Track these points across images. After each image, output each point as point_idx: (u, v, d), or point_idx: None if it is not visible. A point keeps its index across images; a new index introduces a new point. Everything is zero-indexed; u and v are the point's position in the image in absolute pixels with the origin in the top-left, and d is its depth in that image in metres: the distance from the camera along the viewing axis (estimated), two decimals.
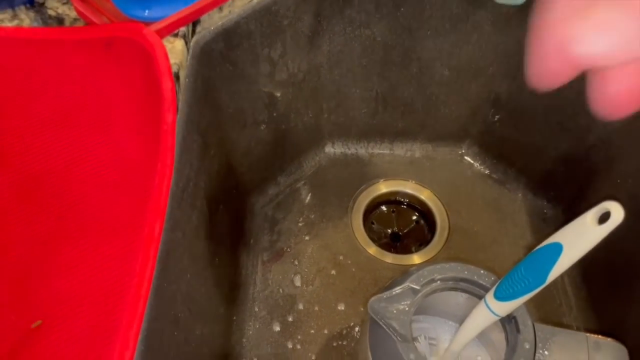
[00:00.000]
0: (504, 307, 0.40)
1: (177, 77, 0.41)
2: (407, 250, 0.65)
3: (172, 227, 0.37)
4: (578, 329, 0.56)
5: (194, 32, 0.45)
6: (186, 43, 0.44)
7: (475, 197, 0.67)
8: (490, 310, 0.40)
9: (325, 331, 0.57)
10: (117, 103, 0.38)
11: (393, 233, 0.67)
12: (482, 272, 0.44)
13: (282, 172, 0.66)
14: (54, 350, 0.28)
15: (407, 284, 0.44)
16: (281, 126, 0.61)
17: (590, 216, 0.37)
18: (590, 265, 0.58)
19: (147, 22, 0.42)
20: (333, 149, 0.70)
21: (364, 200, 0.68)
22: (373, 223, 0.67)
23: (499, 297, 0.40)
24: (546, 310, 0.58)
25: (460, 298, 0.47)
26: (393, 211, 0.69)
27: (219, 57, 0.48)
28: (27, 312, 0.29)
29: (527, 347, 0.40)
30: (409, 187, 0.69)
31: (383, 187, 0.69)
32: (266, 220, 0.64)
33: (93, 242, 0.32)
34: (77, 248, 0.32)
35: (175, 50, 0.42)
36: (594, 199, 0.54)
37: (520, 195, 0.67)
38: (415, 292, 0.44)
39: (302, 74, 0.58)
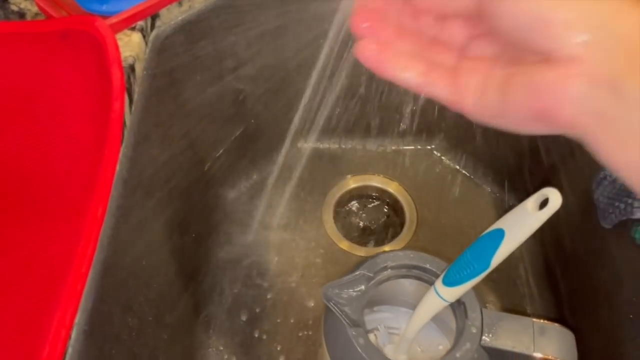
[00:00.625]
0: (453, 293, 0.41)
1: (132, 68, 0.42)
2: (377, 244, 0.66)
3: (123, 213, 0.39)
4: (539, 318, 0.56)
5: (153, 26, 0.46)
6: (144, 37, 0.45)
7: (445, 191, 0.68)
8: (439, 296, 0.41)
9: (292, 321, 0.57)
10: (71, 93, 0.39)
11: (364, 227, 0.68)
12: (433, 259, 0.45)
13: (254, 167, 0.67)
14: None
15: (360, 271, 0.45)
16: (250, 120, 0.62)
17: (530, 202, 0.38)
18: (553, 256, 0.59)
19: (105, 16, 0.43)
20: (305, 144, 0.71)
21: (335, 195, 0.69)
22: (344, 217, 0.68)
23: (447, 282, 0.41)
24: (510, 300, 0.59)
25: (415, 286, 0.48)
26: (364, 206, 0.69)
27: (181, 51, 0.49)
28: None
29: (474, 331, 0.41)
30: (379, 182, 0.69)
31: (354, 182, 0.70)
32: (236, 214, 0.65)
33: (38, 223, 0.33)
34: (23, 228, 0.33)
35: (132, 43, 0.43)
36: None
37: (488, 189, 0.68)
38: (368, 279, 0.45)
39: (269, 68, 0.59)
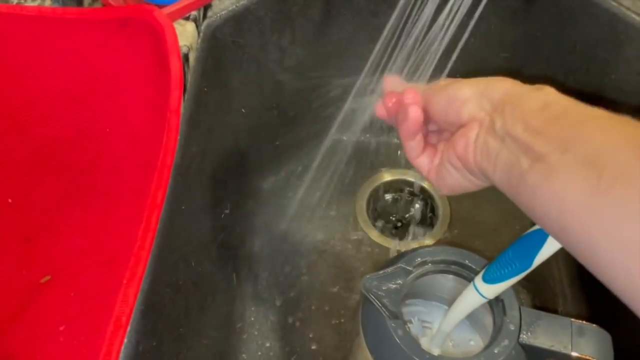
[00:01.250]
0: (492, 290, 0.41)
1: (186, 58, 0.44)
2: (410, 238, 0.67)
3: (176, 200, 0.40)
4: (570, 316, 0.57)
5: (205, 16, 0.47)
6: (197, 26, 0.46)
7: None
8: (478, 292, 0.42)
9: (326, 309, 0.59)
10: (129, 80, 0.40)
11: (396, 220, 0.68)
12: (472, 255, 0.46)
13: (290, 157, 0.68)
14: (60, 303, 0.31)
15: (399, 264, 0.45)
16: (289, 112, 0.63)
17: None
18: None
19: (161, 6, 0.44)
20: (340, 137, 0.71)
21: (368, 188, 0.69)
22: (376, 210, 0.69)
23: (487, 279, 0.41)
24: (542, 299, 0.59)
25: (452, 282, 0.48)
26: (397, 199, 0.70)
27: (229, 41, 0.50)
28: (38, 268, 0.32)
29: (512, 328, 0.42)
30: (413, 176, 0.70)
31: (387, 175, 0.70)
32: (271, 202, 0.66)
33: (101, 207, 0.35)
34: (86, 211, 0.34)
35: (186, 33, 0.45)
36: None
37: None
38: (407, 272, 0.45)
39: (310, 61, 0.60)
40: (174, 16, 0.44)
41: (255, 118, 0.60)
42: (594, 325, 0.43)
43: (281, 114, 0.63)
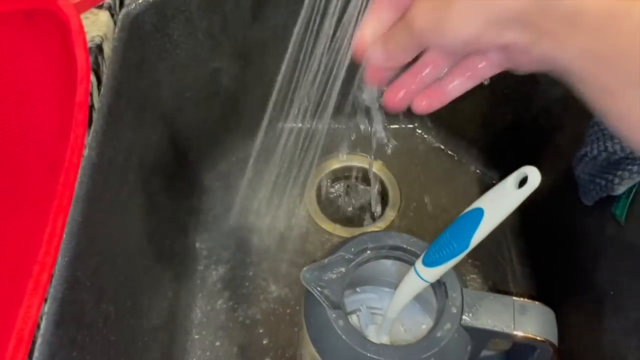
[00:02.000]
0: (432, 273, 0.40)
1: (100, 49, 0.41)
2: (361, 224, 0.65)
3: (94, 198, 0.37)
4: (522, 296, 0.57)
5: (122, 4, 0.45)
6: (112, 15, 0.43)
7: (428, 170, 0.68)
8: (419, 276, 0.41)
9: (275, 304, 0.57)
10: (35, 75, 0.37)
11: (347, 208, 0.67)
12: (413, 239, 0.45)
13: (234, 148, 0.66)
14: None
15: (339, 253, 0.44)
16: (228, 101, 0.61)
17: (509, 181, 0.37)
18: (536, 235, 0.58)
19: None
20: (285, 124, 0.69)
21: (317, 175, 0.68)
22: (327, 199, 0.67)
23: (427, 263, 0.40)
24: (494, 280, 0.59)
25: (399, 266, 0.47)
26: (347, 185, 0.69)
27: (152, 30, 0.48)
28: None
29: (454, 311, 0.41)
30: (362, 162, 0.69)
31: (337, 162, 0.69)
32: (214, 195, 0.64)
33: (2, 211, 0.32)
34: None
35: (100, 23, 0.42)
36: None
37: (472, 167, 0.67)
38: (348, 261, 0.44)
39: (247, 48, 0.58)
40: (84, 5, 0.41)
41: (192, 109, 0.58)
42: (537, 302, 0.42)
43: (220, 103, 0.60)
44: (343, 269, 0.44)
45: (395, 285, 0.52)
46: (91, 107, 0.39)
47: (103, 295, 0.38)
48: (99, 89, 0.41)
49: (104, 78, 0.41)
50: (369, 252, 0.45)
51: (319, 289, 0.42)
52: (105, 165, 0.40)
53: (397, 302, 0.44)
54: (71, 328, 0.34)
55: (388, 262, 0.47)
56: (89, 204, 0.37)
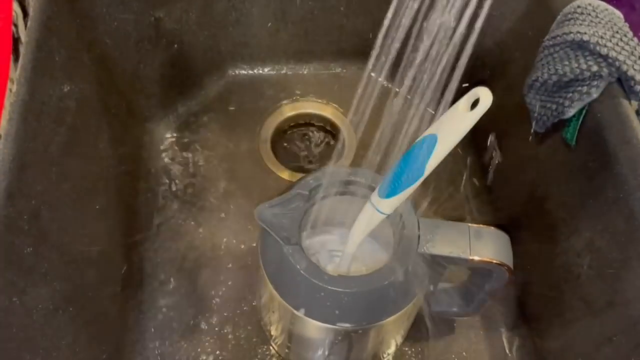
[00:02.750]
0: (389, 204, 0.40)
1: None
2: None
3: (28, 138, 0.35)
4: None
5: None
6: None
7: (382, 111, 0.67)
8: (375, 208, 0.40)
9: (232, 263, 0.55)
10: None
11: (304, 155, 0.66)
12: (367, 172, 0.44)
13: (182, 98, 0.63)
14: None
15: (295, 190, 0.43)
16: (172, 47, 0.58)
17: (462, 103, 0.37)
18: (490, 165, 0.59)
19: None
20: (236, 71, 0.67)
21: (272, 124, 0.66)
22: (283, 146, 0.66)
23: (382, 194, 0.40)
24: (450, 211, 0.59)
25: (356, 204, 0.47)
26: (303, 133, 0.67)
27: None
28: None
29: (411, 239, 0.41)
30: (317, 108, 0.67)
31: (291, 109, 0.67)
32: (166, 149, 0.61)
33: None
34: None
35: None
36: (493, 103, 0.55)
37: (423, 105, 0.67)
38: (304, 197, 0.43)
39: None
40: None
41: (134, 54, 0.55)
42: (492, 228, 0.42)
43: (164, 49, 0.57)
44: (300, 205, 0.43)
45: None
46: (17, 39, 0.36)
47: (45, 241, 0.36)
48: (25, 22, 0.37)
49: (30, 10, 0.38)
50: (324, 188, 0.44)
51: (273, 226, 0.41)
52: (37, 104, 0.37)
53: (354, 237, 0.43)
54: (9, 271, 0.32)
55: (345, 200, 0.46)
56: (22, 142, 0.34)
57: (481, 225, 0.42)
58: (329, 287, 0.39)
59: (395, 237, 0.42)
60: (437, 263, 0.42)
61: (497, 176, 0.57)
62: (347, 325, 0.40)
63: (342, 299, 0.39)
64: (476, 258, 0.40)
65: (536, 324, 0.50)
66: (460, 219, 0.59)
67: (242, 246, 0.56)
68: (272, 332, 0.49)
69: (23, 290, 0.33)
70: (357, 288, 0.39)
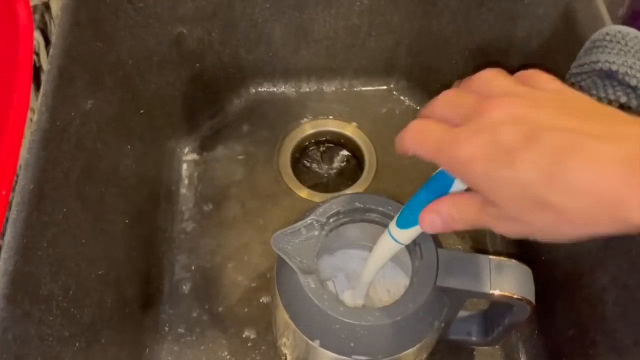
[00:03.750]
0: (406, 235, 0.39)
1: (46, 6, 0.38)
2: (337, 189, 0.64)
3: (47, 166, 0.35)
4: (499, 253, 0.56)
5: None
6: None
7: None
8: (393, 238, 0.39)
9: (247, 280, 0.55)
10: None
11: (322, 173, 0.65)
12: (386, 201, 0.43)
13: (204, 116, 0.64)
14: None
15: (311, 217, 0.43)
16: (195, 65, 0.58)
17: None
18: None
19: None
20: (258, 89, 0.67)
21: (291, 142, 0.66)
22: (302, 164, 0.66)
23: (400, 225, 0.39)
24: (470, 237, 0.58)
25: (374, 229, 0.46)
26: (322, 151, 0.67)
27: None
28: None
29: (429, 272, 0.40)
30: (337, 126, 0.67)
31: (311, 127, 0.67)
32: (187, 167, 0.62)
33: None
34: None
35: None
36: None
37: None
38: (321, 225, 0.43)
39: (211, 7, 0.55)
40: None
41: (156, 74, 0.55)
42: (513, 260, 0.41)
43: (187, 68, 0.58)
44: (315, 233, 0.42)
45: (371, 249, 0.51)
46: (39, 68, 0.37)
47: (62, 268, 0.37)
48: (47, 50, 0.38)
49: (53, 38, 0.39)
50: (341, 215, 0.43)
51: (290, 254, 0.41)
52: (58, 132, 0.37)
53: (371, 266, 0.43)
54: (25, 302, 0.32)
55: (364, 226, 0.46)
56: (41, 171, 0.35)
57: (502, 258, 0.41)
58: (345, 320, 0.38)
59: (414, 267, 0.42)
60: (456, 295, 0.41)
61: None
62: (362, 358, 0.39)
63: (358, 332, 0.38)
64: (497, 293, 0.39)
65: (558, 358, 0.48)
66: (482, 244, 0.58)
67: (262, 265, 0.56)
68: (288, 357, 0.49)
69: (40, 319, 0.33)
70: (373, 321, 0.38)
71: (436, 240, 0.42)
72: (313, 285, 0.39)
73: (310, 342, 0.40)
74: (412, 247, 0.42)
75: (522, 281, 0.40)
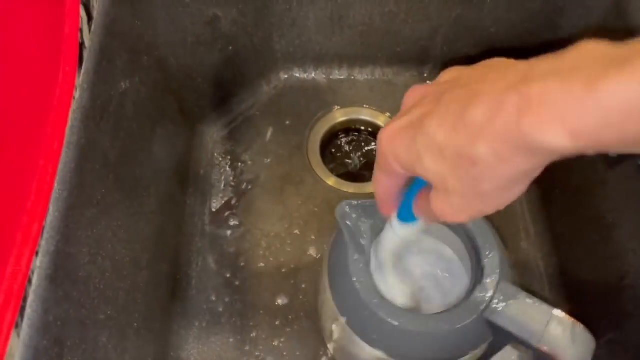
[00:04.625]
0: (406, 228, 0.36)
1: None
2: (367, 179, 0.63)
3: (87, 146, 0.34)
4: (535, 255, 0.55)
5: None
6: None
7: None
8: (394, 230, 0.37)
9: (277, 265, 0.55)
10: (17, 6, 0.34)
11: (352, 162, 0.64)
12: None
13: (233, 99, 0.63)
14: None
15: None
16: (228, 47, 0.57)
17: None
18: (550, 190, 0.56)
19: None
20: (288, 74, 0.66)
21: (321, 129, 0.65)
22: (332, 152, 0.65)
23: (401, 217, 0.36)
24: (505, 235, 0.57)
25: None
26: (353, 140, 0.66)
27: None
28: None
29: (481, 300, 0.37)
30: (368, 115, 0.65)
31: (341, 115, 0.66)
32: (217, 151, 0.61)
33: None
34: None
35: None
36: None
37: None
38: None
39: None
40: None
41: (189, 55, 0.54)
42: (580, 325, 0.36)
43: (220, 50, 0.57)
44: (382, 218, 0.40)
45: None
46: (81, 44, 0.36)
47: (99, 249, 0.36)
48: (89, 26, 0.37)
49: (95, 14, 0.38)
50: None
51: (349, 227, 0.39)
52: (98, 110, 0.37)
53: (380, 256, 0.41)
54: (66, 283, 0.31)
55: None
56: (82, 151, 0.34)
57: (568, 316, 0.36)
58: (383, 316, 0.37)
59: (469, 286, 0.39)
60: (502, 333, 0.37)
61: (558, 200, 0.54)
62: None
63: (394, 331, 0.37)
64: (546, 349, 0.35)
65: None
66: (516, 243, 0.56)
67: (290, 254, 0.55)
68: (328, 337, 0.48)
69: (78, 301, 0.33)
70: (412, 327, 0.36)
71: (505, 267, 0.39)
72: (361, 265, 0.38)
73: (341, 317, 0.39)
74: (476, 267, 0.39)
75: (581, 350, 0.35)
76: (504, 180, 0.23)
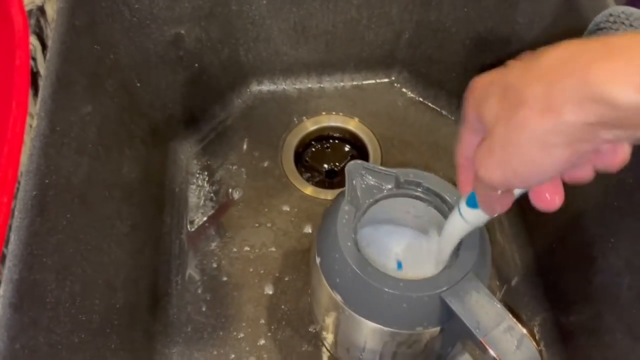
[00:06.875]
0: (474, 214, 0.37)
1: (42, 10, 0.38)
2: (342, 185, 0.63)
3: (48, 172, 0.35)
4: (510, 247, 0.55)
5: None
6: None
7: (408, 124, 0.65)
8: (462, 217, 0.37)
9: (259, 273, 0.55)
10: None
11: (327, 170, 0.65)
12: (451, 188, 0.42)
13: (205, 115, 0.63)
14: None
15: (396, 172, 0.42)
16: (194, 65, 0.58)
17: None
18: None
19: None
20: (258, 87, 0.67)
21: (293, 140, 0.65)
22: (306, 161, 0.65)
23: (470, 203, 0.37)
24: None
25: (419, 208, 0.44)
26: (326, 147, 0.66)
27: None
28: None
29: (447, 280, 0.37)
30: (339, 121, 0.66)
31: (312, 124, 0.66)
32: (191, 167, 0.61)
33: None
34: None
35: None
36: None
37: (453, 118, 0.65)
38: (397, 184, 0.42)
39: (207, 5, 0.54)
40: None
41: (155, 75, 0.55)
42: (532, 342, 0.36)
43: (186, 68, 0.57)
44: (390, 186, 0.42)
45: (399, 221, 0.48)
46: (36, 73, 0.36)
47: (68, 274, 0.36)
48: (44, 55, 0.37)
49: (49, 42, 0.38)
50: (420, 188, 0.42)
51: (355, 185, 0.41)
52: (58, 137, 0.37)
53: (443, 244, 0.41)
54: (33, 310, 0.32)
55: (421, 204, 0.44)
56: (43, 177, 0.34)
57: (522, 327, 0.36)
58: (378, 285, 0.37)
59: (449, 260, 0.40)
60: (456, 320, 0.37)
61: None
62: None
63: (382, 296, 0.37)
64: (487, 345, 0.35)
65: (573, 345, 0.48)
66: (490, 232, 0.57)
67: (271, 264, 0.55)
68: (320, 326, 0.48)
69: (47, 327, 0.33)
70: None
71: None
72: (353, 254, 0.38)
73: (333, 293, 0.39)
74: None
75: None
76: (543, 132, 0.22)
